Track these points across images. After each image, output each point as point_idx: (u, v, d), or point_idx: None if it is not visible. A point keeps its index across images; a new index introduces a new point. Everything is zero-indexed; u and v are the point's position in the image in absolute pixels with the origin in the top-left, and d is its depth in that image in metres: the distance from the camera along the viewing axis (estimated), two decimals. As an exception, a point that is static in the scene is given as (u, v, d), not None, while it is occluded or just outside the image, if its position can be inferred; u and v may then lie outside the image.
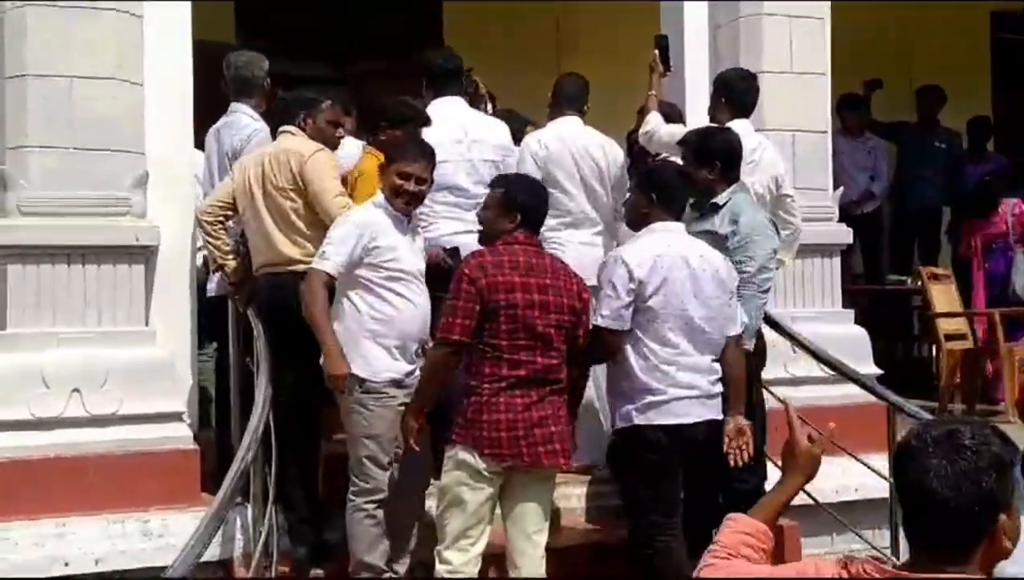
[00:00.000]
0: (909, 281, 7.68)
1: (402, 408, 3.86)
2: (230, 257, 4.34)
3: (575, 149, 4.82)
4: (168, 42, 4.62)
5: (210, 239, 4.33)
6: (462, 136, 4.60)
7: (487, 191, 3.96)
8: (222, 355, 4.73)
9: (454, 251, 4.35)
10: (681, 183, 4.06)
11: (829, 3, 5.52)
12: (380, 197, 3.95)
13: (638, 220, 4.05)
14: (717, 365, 3.91)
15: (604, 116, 5.31)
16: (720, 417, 3.88)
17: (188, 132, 4.73)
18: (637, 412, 3.83)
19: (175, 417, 4.37)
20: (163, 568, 3.87)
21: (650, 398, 3.81)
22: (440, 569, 3.65)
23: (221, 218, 4.31)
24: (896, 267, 7.95)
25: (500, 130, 4.77)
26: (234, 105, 4.73)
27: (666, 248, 3.87)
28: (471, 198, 4.49)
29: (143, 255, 4.43)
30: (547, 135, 4.91)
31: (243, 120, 4.65)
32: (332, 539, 4.18)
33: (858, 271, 7.85)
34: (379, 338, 3.85)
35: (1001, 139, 8.48)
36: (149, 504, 4.19)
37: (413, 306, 3.90)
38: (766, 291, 4.21)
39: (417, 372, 3.89)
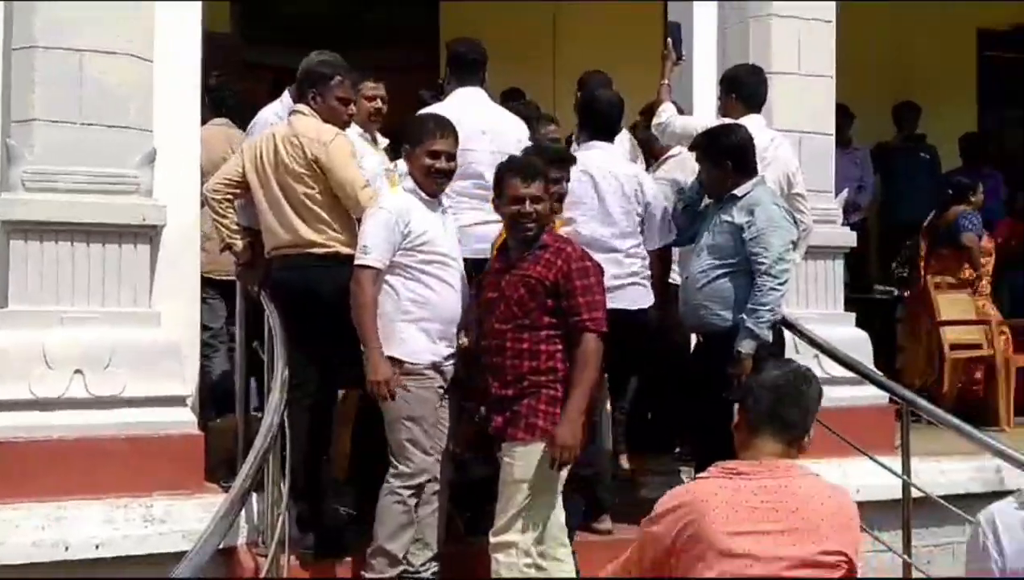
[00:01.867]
0: (896, 292, 7.74)
1: (441, 391, 3.84)
2: (238, 237, 4.23)
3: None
4: (177, 19, 4.51)
5: (217, 217, 4.22)
6: (487, 127, 4.48)
7: None
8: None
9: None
10: (602, 108, 4.61)
11: (835, 3, 5.52)
12: (409, 183, 3.90)
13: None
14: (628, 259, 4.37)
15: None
16: (623, 306, 4.22)
17: (195, 111, 4.63)
18: None
19: (179, 401, 4.25)
20: (165, 555, 3.80)
21: None
22: (560, 553, 3.68)
23: (229, 196, 4.20)
24: (883, 278, 8.00)
25: (518, 124, 4.66)
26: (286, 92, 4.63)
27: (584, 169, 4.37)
28: (491, 190, 4.39)
29: (148, 235, 4.31)
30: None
31: (272, 104, 4.57)
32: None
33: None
34: (418, 321, 3.80)
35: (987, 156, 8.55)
36: (152, 489, 4.07)
37: (451, 289, 3.86)
38: (784, 283, 4.17)
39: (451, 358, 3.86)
